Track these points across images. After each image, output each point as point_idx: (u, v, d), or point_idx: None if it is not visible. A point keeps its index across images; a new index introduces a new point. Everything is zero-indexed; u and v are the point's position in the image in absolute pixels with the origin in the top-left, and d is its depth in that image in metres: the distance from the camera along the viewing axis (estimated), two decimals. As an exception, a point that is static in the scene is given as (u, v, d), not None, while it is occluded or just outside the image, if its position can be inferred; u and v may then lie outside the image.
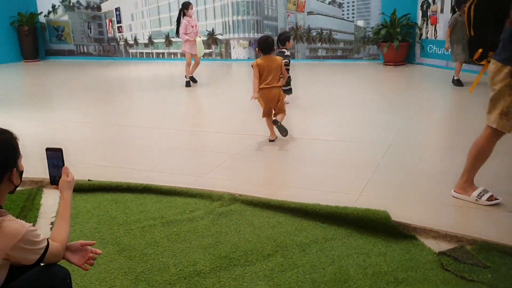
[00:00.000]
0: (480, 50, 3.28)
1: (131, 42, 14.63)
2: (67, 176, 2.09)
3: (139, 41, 14.54)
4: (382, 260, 2.74)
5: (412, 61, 11.06)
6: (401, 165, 4.29)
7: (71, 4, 14.97)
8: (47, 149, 2.11)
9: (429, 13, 10.59)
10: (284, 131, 5.08)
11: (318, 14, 12.22)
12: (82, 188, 3.88)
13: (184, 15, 8.79)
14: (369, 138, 5.17)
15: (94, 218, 3.43)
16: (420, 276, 2.57)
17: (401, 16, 10.77)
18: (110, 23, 14.78)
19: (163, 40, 14.19)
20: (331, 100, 7.41)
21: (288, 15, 12.43)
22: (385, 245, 2.91)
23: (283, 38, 6.60)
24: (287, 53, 6.45)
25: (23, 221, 1.85)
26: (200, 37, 9.11)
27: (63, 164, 2.10)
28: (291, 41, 6.74)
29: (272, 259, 2.78)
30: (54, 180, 2.11)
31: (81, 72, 12.21)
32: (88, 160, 4.73)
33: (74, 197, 3.82)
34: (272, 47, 5.12)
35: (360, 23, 11.88)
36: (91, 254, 2.02)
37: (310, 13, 12.28)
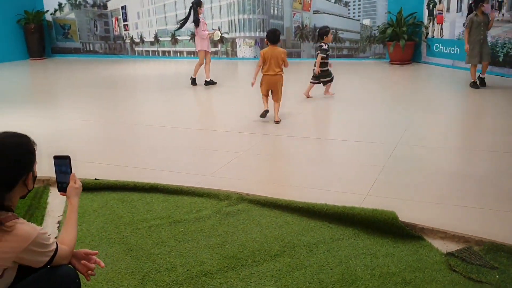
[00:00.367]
0: None
1: (137, 40, 14.65)
2: (75, 183, 2.11)
3: (145, 39, 14.56)
4: (390, 260, 2.73)
5: (418, 60, 11.01)
6: (408, 165, 4.27)
7: (77, 2, 15.00)
8: (55, 157, 2.14)
9: (435, 12, 10.54)
10: (263, 115, 5.99)
11: (324, 13, 12.19)
12: (89, 187, 3.88)
13: (196, 12, 8.74)
14: (376, 137, 5.15)
15: (101, 217, 3.44)
16: (427, 277, 2.56)
17: (407, 15, 10.73)
18: (116, 21, 14.80)
19: (169, 39, 14.19)
20: (336, 100, 7.39)
21: (294, 14, 12.40)
22: (393, 245, 2.91)
23: (322, 33, 7.22)
24: (325, 46, 7.08)
25: (35, 224, 1.87)
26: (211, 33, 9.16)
27: (71, 171, 2.12)
28: (330, 35, 7.20)
29: (280, 259, 2.78)
30: (62, 187, 2.14)
31: (87, 70, 12.24)
32: (94, 159, 4.74)
33: (81, 196, 3.84)
34: (278, 39, 5.96)
35: (366, 22, 11.83)
36: (93, 265, 2.02)
37: (316, 12, 12.24)
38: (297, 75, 10.04)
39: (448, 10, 10.15)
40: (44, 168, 3.85)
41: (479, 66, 7.67)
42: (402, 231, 3.00)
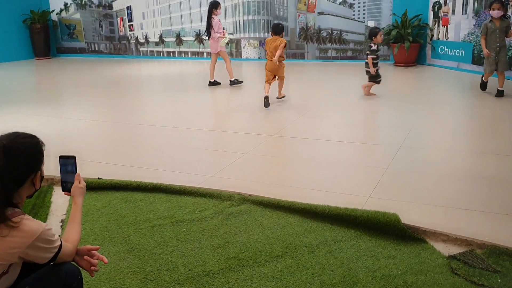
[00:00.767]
0: None
1: (142, 40, 14.69)
2: (79, 182, 2.15)
3: (150, 40, 14.60)
4: (391, 263, 2.73)
5: (423, 62, 10.99)
6: (411, 167, 4.27)
7: (83, 3, 15.06)
8: (61, 157, 2.18)
9: (440, 14, 10.51)
10: (266, 104, 6.74)
11: (329, 14, 12.18)
12: (92, 187, 3.90)
13: (210, 14, 8.74)
14: (379, 139, 5.15)
15: (104, 217, 3.45)
16: (429, 280, 2.56)
17: (412, 17, 10.70)
18: (122, 22, 14.84)
19: (174, 39, 14.23)
20: (340, 101, 7.39)
21: (299, 15, 12.41)
22: (395, 248, 2.91)
23: (371, 33, 7.38)
24: (374, 47, 7.18)
25: (40, 221, 1.92)
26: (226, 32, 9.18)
27: (76, 171, 2.16)
28: (379, 36, 7.27)
29: (281, 261, 2.78)
30: (66, 187, 2.18)
31: (92, 70, 12.29)
32: (98, 158, 4.76)
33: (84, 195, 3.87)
34: (280, 30, 7.00)
35: (371, 23, 11.81)
36: (95, 260, 2.05)
37: (320, 13, 12.24)
38: (301, 74, 10.06)
39: (453, 12, 10.12)
40: (49, 167, 3.89)
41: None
42: (404, 233, 3.00)
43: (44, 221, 3.43)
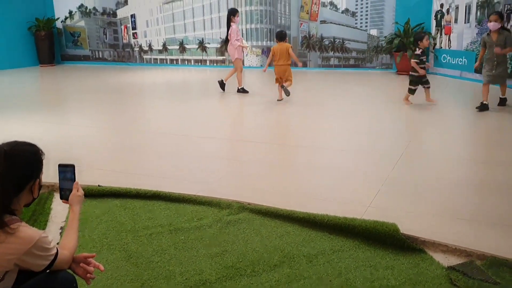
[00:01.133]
0: None
1: (146, 48, 14.77)
2: (78, 191, 2.17)
3: (154, 48, 14.67)
4: (390, 273, 2.71)
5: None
6: (411, 176, 4.25)
7: (87, 11, 15.18)
8: (60, 165, 2.19)
9: (443, 23, 10.54)
10: (287, 93, 7.62)
11: (331, 23, 12.23)
12: (92, 194, 3.91)
13: (229, 21, 8.78)
14: (380, 148, 5.14)
15: (103, 224, 3.45)
16: (428, 291, 2.54)
17: (415, 25, 10.73)
18: (126, 29, 14.94)
19: (177, 47, 14.30)
20: (342, 109, 7.39)
21: (301, 23, 12.46)
22: (393, 258, 2.89)
23: (417, 38, 7.43)
24: (418, 52, 7.24)
25: (37, 229, 1.94)
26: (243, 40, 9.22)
27: (75, 180, 2.17)
28: (425, 40, 7.27)
29: (279, 270, 2.77)
30: (65, 195, 2.20)
31: (96, 77, 12.35)
32: (99, 165, 4.77)
33: (84, 202, 3.86)
34: (284, 37, 8.03)
35: (373, 32, 11.85)
36: (91, 268, 2.05)
37: (323, 22, 12.29)
38: (303, 82, 10.07)
39: (456, 21, 10.15)
40: (50, 174, 3.90)
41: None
42: (403, 243, 2.98)
43: (44, 228, 3.44)
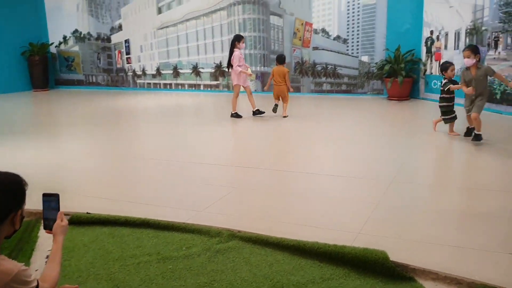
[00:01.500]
0: None
1: (139, 72, 14.86)
2: (62, 221, 2.14)
3: (147, 72, 14.77)
4: (380, 302, 2.68)
5: (417, 96, 11.12)
6: (401, 203, 4.25)
7: (82, 36, 15.32)
8: (44, 195, 2.17)
9: (433, 49, 10.71)
10: (274, 110, 8.90)
11: (323, 49, 12.40)
12: (81, 221, 3.87)
13: (235, 47, 8.85)
14: (371, 174, 5.14)
15: (90, 252, 3.40)
16: (418, 321, 2.50)
17: (406, 52, 10.89)
18: (120, 54, 15.06)
19: (171, 71, 14.41)
20: (333, 134, 7.43)
21: (294, 50, 12.62)
22: (383, 286, 2.86)
23: (442, 68, 7.08)
24: (444, 81, 6.98)
25: (16, 261, 1.91)
26: (249, 67, 9.30)
27: (59, 209, 2.15)
28: (450, 71, 6.93)
29: (267, 300, 2.73)
30: (48, 225, 2.17)
31: (89, 101, 12.38)
32: (88, 192, 4.73)
33: (72, 230, 3.82)
34: (283, 60, 9.06)
35: (365, 58, 12.01)
36: None
37: (315, 48, 12.46)
38: (296, 108, 10.13)
39: (446, 47, 10.32)
40: (37, 200, 3.86)
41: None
42: (393, 271, 2.95)
43: (29, 257, 3.38)
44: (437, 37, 10.56)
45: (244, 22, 12.94)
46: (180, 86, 14.33)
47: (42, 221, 2.24)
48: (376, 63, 11.57)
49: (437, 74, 10.49)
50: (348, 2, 11.99)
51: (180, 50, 14.21)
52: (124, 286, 2.91)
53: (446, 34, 10.27)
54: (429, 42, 10.81)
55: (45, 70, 15.13)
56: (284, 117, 8.75)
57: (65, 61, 15.62)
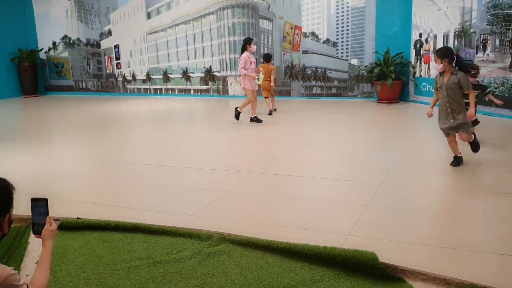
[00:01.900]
0: None
1: (129, 78, 14.83)
2: (50, 225, 2.13)
3: (137, 77, 14.75)
4: (369, 303, 2.70)
5: (406, 98, 11.20)
6: (391, 205, 4.28)
7: (71, 41, 15.26)
8: (33, 199, 2.17)
9: (422, 52, 10.81)
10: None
11: (313, 53, 12.46)
12: (71, 226, 3.86)
13: (243, 49, 8.82)
14: (360, 176, 5.18)
15: (81, 257, 3.39)
16: (407, 321, 2.53)
17: (395, 54, 10.98)
18: (109, 60, 15.02)
19: (161, 76, 14.39)
20: (323, 138, 7.46)
21: (284, 53, 12.67)
22: (373, 287, 2.88)
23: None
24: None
25: (5, 266, 1.90)
26: (260, 71, 9.24)
27: (48, 214, 2.14)
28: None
29: (258, 302, 2.74)
30: (37, 230, 2.16)
31: (79, 107, 12.33)
32: (79, 197, 4.72)
33: (63, 235, 3.81)
34: (270, 59, 10.20)
35: (354, 61, 12.09)
36: None
37: (305, 51, 12.52)
38: (286, 112, 10.16)
39: (434, 50, 10.41)
40: (27, 206, 3.84)
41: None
42: (382, 272, 2.98)
43: (19, 263, 3.36)
44: (426, 40, 10.67)
45: (234, 26, 12.98)
46: (170, 91, 14.32)
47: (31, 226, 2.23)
48: (365, 66, 11.64)
49: (427, 76, 10.59)
50: (337, 6, 12.07)
51: (170, 55, 14.21)
52: (114, 291, 2.91)
53: (435, 37, 10.38)
54: (418, 45, 10.91)
55: (35, 76, 15.05)
56: (275, 110, 9.87)
57: (54, 67, 15.55)
